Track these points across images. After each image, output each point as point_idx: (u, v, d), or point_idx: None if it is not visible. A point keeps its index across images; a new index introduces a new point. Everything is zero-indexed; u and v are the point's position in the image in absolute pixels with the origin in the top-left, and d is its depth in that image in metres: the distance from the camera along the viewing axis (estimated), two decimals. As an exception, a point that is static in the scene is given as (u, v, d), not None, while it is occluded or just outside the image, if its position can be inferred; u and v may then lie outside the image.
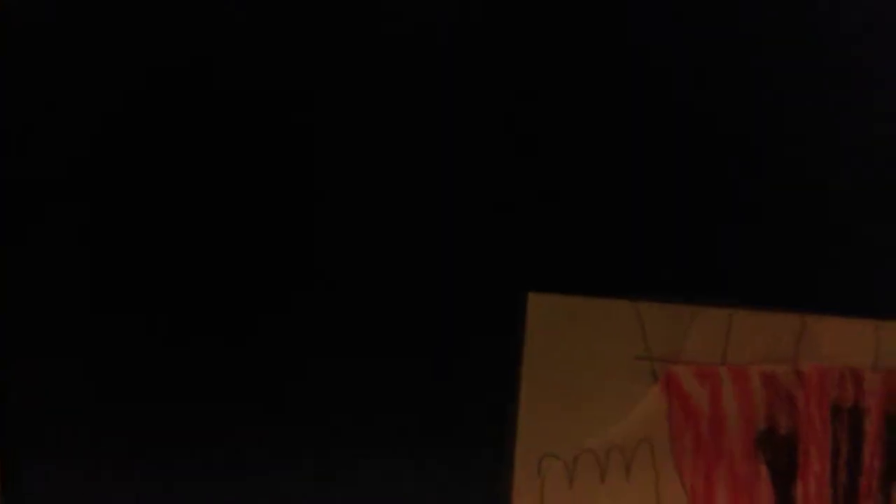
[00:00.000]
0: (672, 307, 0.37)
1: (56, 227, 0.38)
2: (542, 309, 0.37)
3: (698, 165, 0.37)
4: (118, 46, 0.38)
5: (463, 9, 0.38)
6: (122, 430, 0.38)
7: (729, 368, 0.37)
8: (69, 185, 0.38)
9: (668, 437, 0.37)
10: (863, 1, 0.37)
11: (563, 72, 0.38)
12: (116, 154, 0.38)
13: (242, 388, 0.38)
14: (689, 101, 0.38)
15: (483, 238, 0.38)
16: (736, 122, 0.37)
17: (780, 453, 0.37)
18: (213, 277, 0.38)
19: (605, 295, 0.37)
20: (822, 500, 0.37)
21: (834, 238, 0.38)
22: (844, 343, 0.37)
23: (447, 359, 0.38)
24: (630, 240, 0.37)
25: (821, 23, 0.37)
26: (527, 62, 0.38)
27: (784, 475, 0.37)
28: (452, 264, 0.38)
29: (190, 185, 0.38)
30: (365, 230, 0.38)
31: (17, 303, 0.38)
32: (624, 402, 0.37)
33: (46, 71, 0.38)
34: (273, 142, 0.38)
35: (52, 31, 0.38)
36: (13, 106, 0.38)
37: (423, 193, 0.38)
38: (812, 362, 0.37)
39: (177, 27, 0.37)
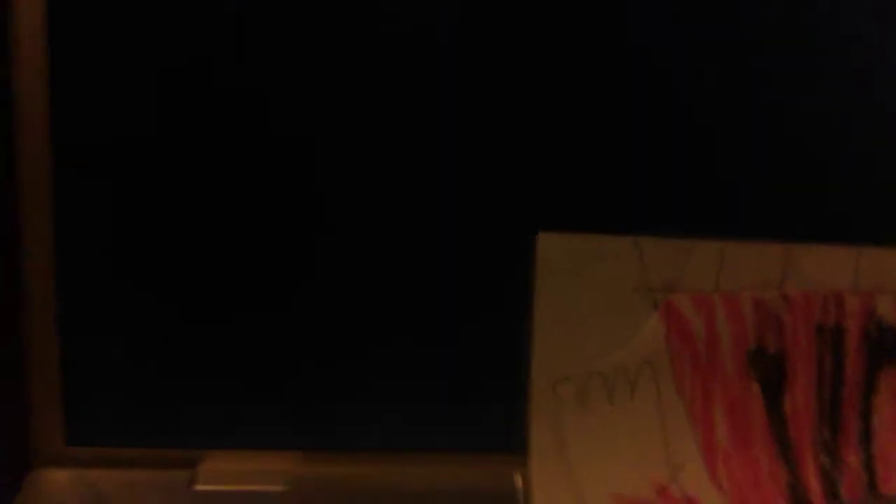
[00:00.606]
0: (670, 242, 0.41)
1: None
2: (551, 247, 0.40)
3: (690, 107, 0.41)
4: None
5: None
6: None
7: (722, 295, 0.41)
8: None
9: (668, 360, 0.41)
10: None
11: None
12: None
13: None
14: (683, 46, 0.41)
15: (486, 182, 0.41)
16: (725, 61, 0.41)
17: (769, 370, 0.41)
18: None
19: (609, 233, 0.41)
20: (808, 411, 0.42)
21: (816, 172, 0.41)
22: (827, 269, 0.41)
23: (459, 298, 0.41)
24: (630, 182, 0.41)
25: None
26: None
27: (773, 390, 0.42)
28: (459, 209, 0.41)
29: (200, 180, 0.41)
30: (369, 173, 0.41)
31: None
32: (628, 330, 0.41)
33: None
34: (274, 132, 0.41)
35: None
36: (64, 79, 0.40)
37: (425, 142, 0.41)
38: (797, 287, 0.41)
39: (178, 25, 0.39)
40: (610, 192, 0.42)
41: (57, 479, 0.39)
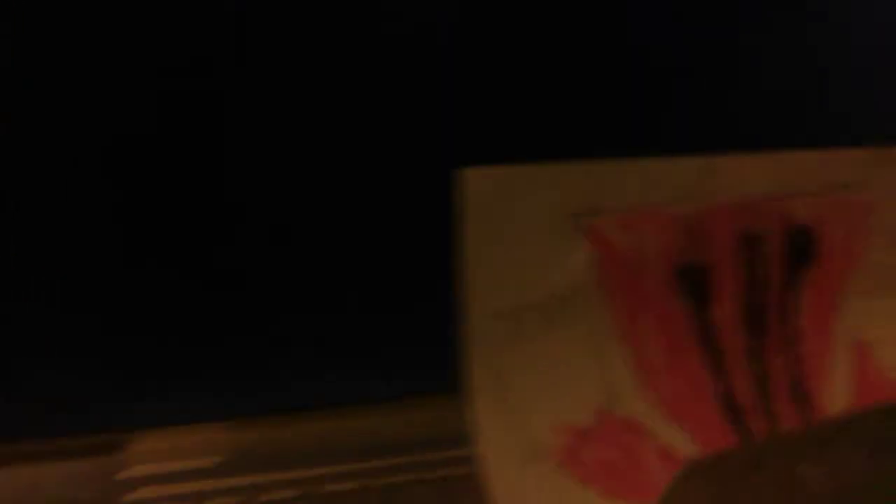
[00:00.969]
0: (593, 165, 0.40)
1: None
2: (474, 182, 0.39)
3: (604, 25, 0.39)
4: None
5: None
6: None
7: (646, 213, 0.41)
8: None
9: (598, 283, 0.41)
10: None
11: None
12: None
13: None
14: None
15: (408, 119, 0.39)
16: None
17: (695, 283, 0.42)
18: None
19: (531, 161, 0.39)
20: (735, 319, 0.42)
21: (729, 82, 0.41)
22: (745, 177, 0.41)
23: (387, 239, 0.40)
24: (547, 106, 0.39)
25: None
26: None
27: (701, 302, 0.42)
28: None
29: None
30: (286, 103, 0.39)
31: None
32: (557, 257, 0.40)
33: None
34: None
35: None
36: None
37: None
38: (719, 198, 0.41)
39: (173, 22, 0.36)
40: (531, 118, 0.40)
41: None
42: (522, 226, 0.40)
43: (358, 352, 0.40)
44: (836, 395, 0.42)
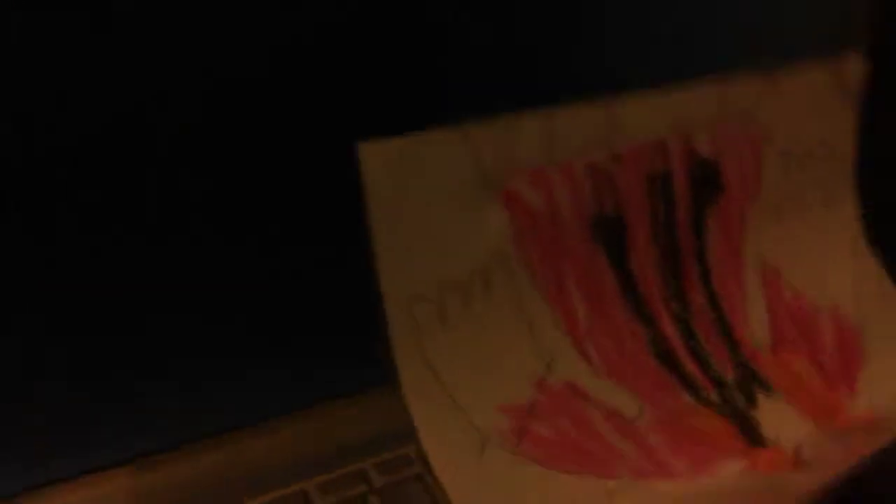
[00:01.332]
0: (496, 123, 0.37)
1: None
2: (374, 157, 0.35)
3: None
4: None
5: None
6: None
7: (557, 167, 0.38)
8: None
9: (517, 248, 0.38)
10: None
11: None
12: None
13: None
14: None
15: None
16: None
17: (611, 233, 0.40)
18: None
19: (430, 128, 0.36)
20: (651, 262, 0.41)
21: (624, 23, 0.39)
22: (646, 118, 0.40)
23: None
24: (438, 69, 0.36)
25: None
26: None
27: (618, 251, 0.40)
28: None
29: None
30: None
31: None
32: (473, 226, 0.37)
33: None
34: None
35: None
36: None
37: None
38: (625, 143, 0.39)
39: None
40: (423, 82, 0.36)
41: None
42: (430, 198, 0.36)
43: (278, 357, 0.36)
44: (756, 326, 0.42)
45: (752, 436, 0.38)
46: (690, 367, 0.40)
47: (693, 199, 0.42)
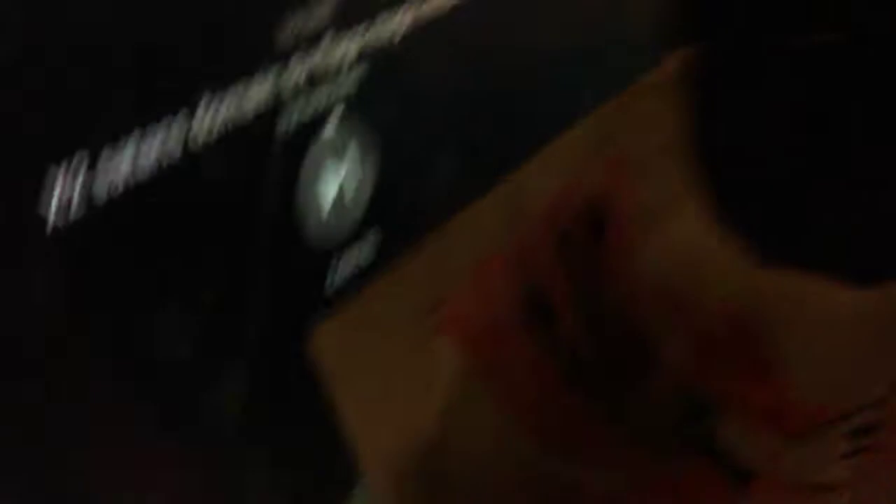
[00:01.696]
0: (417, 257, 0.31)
1: None
2: (328, 338, 0.28)
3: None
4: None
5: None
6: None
7: (480, 269, 0.33)
8: None
9: (472, 377, 0.33)
10: None
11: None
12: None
13: None
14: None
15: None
16: None
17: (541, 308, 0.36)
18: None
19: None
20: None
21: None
22: (540, 184, 0.36)
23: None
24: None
25: None
26: None
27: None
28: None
29: None
30: None
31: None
32: (427, 378, 0.31)
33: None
34: None
35: None
36: None
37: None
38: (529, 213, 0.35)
39: None
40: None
41: None
42: (388, 362, 0.30)
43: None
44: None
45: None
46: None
47: (593, 246, 0.39)
